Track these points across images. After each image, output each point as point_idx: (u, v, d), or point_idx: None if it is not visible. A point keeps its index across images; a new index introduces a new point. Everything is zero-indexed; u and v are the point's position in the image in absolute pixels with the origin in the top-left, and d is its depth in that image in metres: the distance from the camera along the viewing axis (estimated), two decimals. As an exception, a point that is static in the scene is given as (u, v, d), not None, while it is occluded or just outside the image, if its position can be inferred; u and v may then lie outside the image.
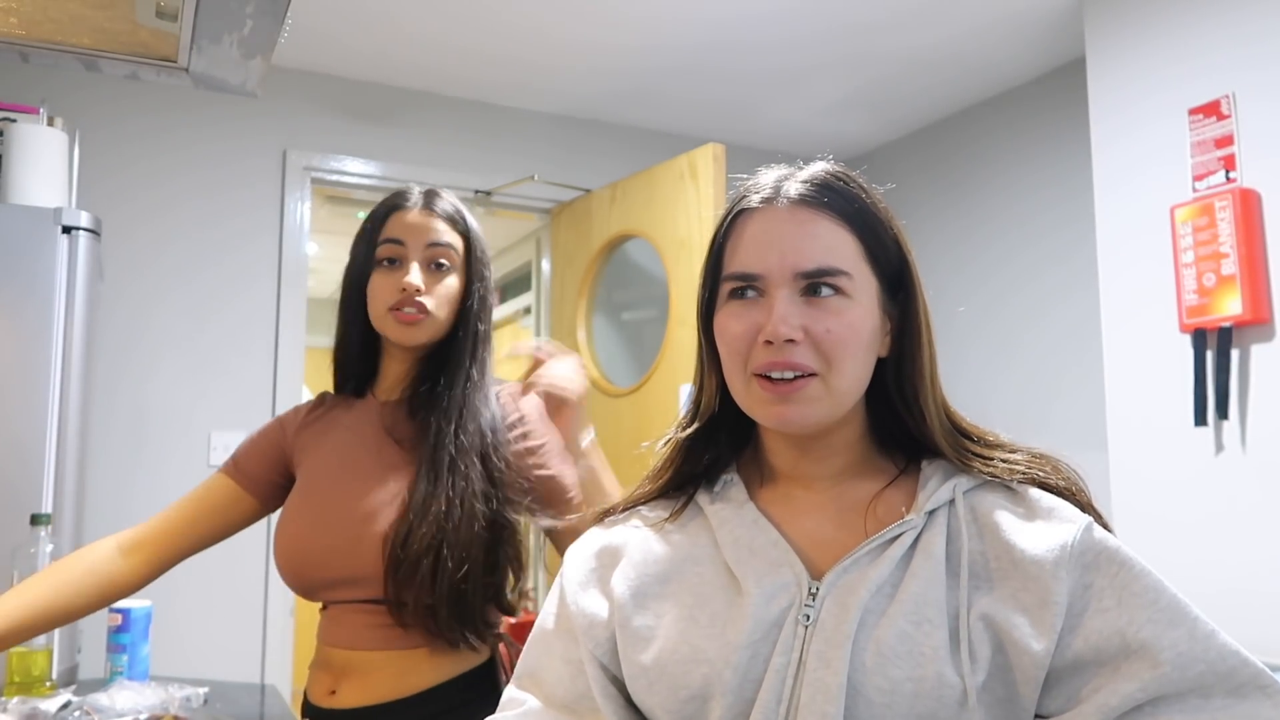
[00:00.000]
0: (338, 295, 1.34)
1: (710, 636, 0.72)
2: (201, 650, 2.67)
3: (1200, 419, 2.18)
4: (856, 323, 0.76)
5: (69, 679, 1.75)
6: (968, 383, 3.19)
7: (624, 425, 2.95)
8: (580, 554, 0.85)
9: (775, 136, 3.70)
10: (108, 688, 1.43)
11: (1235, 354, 2.16)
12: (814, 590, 0.72)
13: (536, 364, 1.22)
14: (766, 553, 0.75)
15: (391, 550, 1.17)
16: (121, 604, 1.60)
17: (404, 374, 1.32)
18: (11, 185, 2.00)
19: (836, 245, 0.77)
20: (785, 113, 3.48)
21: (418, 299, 1.25)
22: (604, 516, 0.89)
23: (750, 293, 0.78)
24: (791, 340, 0.74)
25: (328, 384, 1.41)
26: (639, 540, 0.82)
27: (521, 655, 0.85)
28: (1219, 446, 2.18)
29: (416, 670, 1.21)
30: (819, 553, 0.76)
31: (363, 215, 1.42)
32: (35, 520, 1.56)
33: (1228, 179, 2.19)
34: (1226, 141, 2.20)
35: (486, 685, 1.24)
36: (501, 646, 1.31)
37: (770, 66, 3.10)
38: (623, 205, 3.18)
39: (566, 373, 1.21)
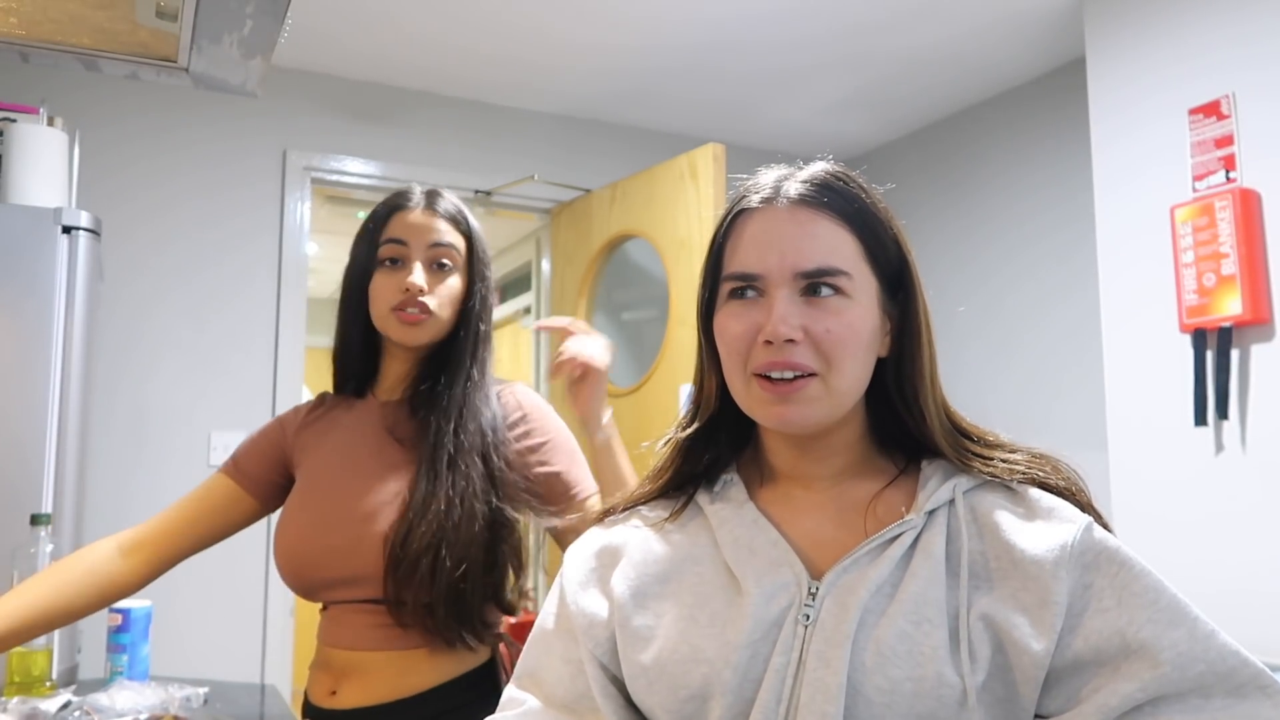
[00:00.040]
0: (338, 295, 1.34)
1: (710, 636, 0.72)
2: (201, 650, 2.67)
3: (1200, 419, 2.18)
4: (856, 323, 0.76)
5: (69, 679, 1.75)
6: (967, 382, 3.19)
7: (624, 425, 2.92)
8: (580, 554, 0.85)
9: (775, 136, 3.70)
10: (108, 688, 1.43)
11: (1235, 354, 2.16)
12: (814, 590, 0.72)
13: (565, 335, 1.29)
14: (766, 552, 0.75)
15: (391, 549, 1.17)
16: (121, 604, 1.60)
17: (405, 374, 1.32)
18: (11, 185, 2.00)
19: (836, 245, 0.77)
20: (785, 113, 3.48)
21: (420, 299, 1.25)
22: (604, 516, 0.89)
23: (750, 293, 0.78)
24: (791, 340, 0.74)
25: (328, 384, 1.41)
26: (639, 540, 0.82)
27: (521, 655, 0.85)
28: (1219, 446, 2.18)
29: (417, 670, 1.21)
30: (819, 552, 0.76)
31: (363, 215, 1.42)
32: (35, 520, 1.56)
33: (1228, 179, 2.19)
34: (1226, 141, 2.20)
35: (487, 685, 1.24)
36: (502, 646, 1.31)
37: (770, 66, 3.10)
38: (623, 205, 3.18)
39: (594, 347, 1.27)
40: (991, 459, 0.77)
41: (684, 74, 3.16)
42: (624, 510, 0.88)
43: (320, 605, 1.30)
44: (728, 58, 3.04)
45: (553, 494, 1.27)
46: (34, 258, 1.91)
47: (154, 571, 1.28)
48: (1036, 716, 0.68)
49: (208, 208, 2.94)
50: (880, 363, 0.80)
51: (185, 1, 1.10)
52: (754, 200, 0.80)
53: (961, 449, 0.78)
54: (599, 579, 0.82)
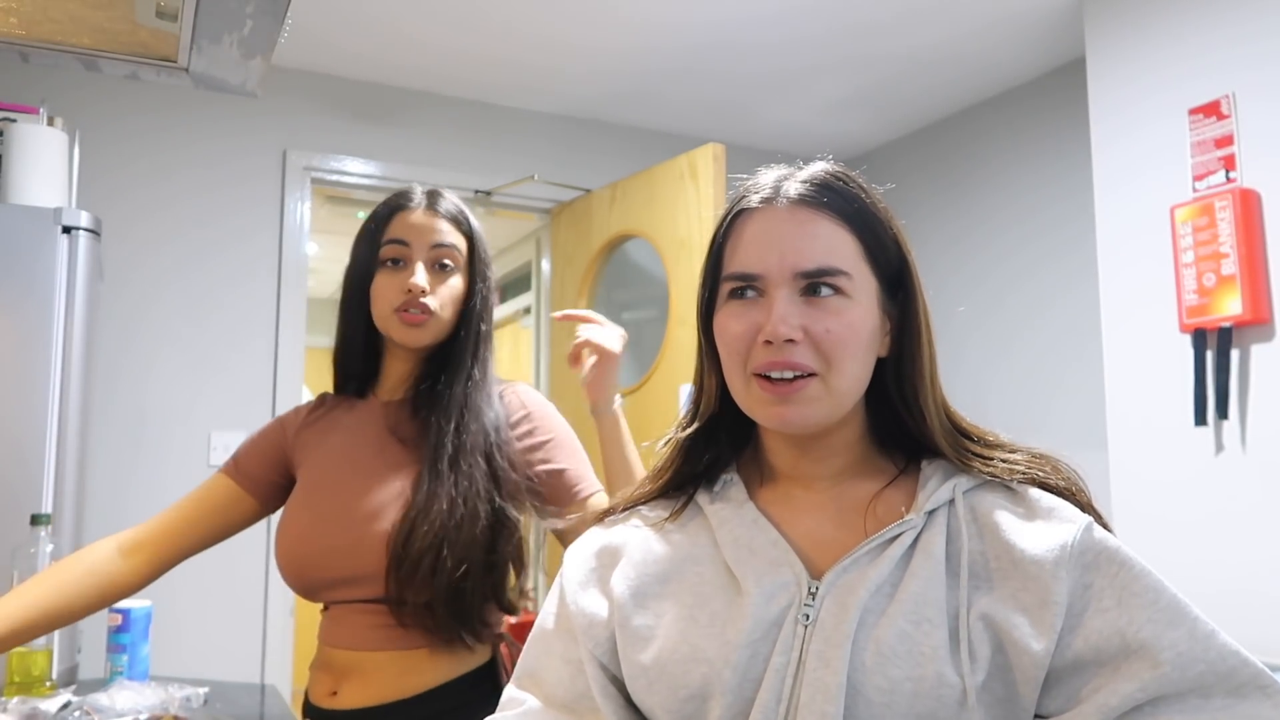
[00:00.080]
0: (338, 295, 1.34)
1: (710, 636, 0.72)
2: (201, 650, 2.67)
3: (1200, 419, 2.18)
4: (856, 323, 0.76)
5: (69, 679, 1.75)
6: (967, 382, 3.19)
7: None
8: (580, 554, 0.85)
9: (775, 136, 3.70)
10: (108, 688, 1.43)
11: (1235, 354, 2.16)
12: (813, 590, 0.72)
13: (583, 320, 1.33)
14: (766, 552, 0.75)
15: (393, 549, 1.17)
16: (121, 604, 1.59)
17: (407, 374, 1.32)
18: (11, 185, 2.01)
19: (836, 245, 0.77)
20: (785, 113, 3.48)
21: (422, 300, 1.25)
22: (604, 516, 0.89)
23: (750, 293, 0.78)
24: (791, 340, 0.74)
25: (328, 384, 1.41)
26: (639, 540, 0.82)
27: (521, 655, 0.85)
28: (1219, 446, 2.18)
29: (418, 670, 1.21)
30: (819, 552, 0.76)
31: (363, 215, 1.42)
32: (35, 520, 1.56)
33: (1228, 179, 2.19)
34: (1226, 141, 2.20)
35: (488, 685, 1.24)
36: (503, 646, 1.31)
37: (770, 67, 3.10)
38: (623, 205, 3.18)
39: (609, 334, 1.31)
40: (991, 459, 0.77)
41: (684, 75, 3.16)
42: (624, 510, 0.88)
43: (321, 605, 1.30)
44: (727, 58, 3.04)
45: (556, 492, 1.28)
46: (34, 258, 1.91)
47: (154, 572, 1.28)
48: (1036, 716, 0.68)
49: (208, 207, 2.94)
50: (880, 363, 0.80)
51: (185, 1, 1.10)
52: (754, 200, 0.80)
53: (961, 449, 0.78)
54: (599, 579, 0.82)
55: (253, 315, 2.97)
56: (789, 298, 0.75)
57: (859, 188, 0.80)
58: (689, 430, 0.86)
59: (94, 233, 1.98)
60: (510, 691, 0.84)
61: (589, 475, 1.30)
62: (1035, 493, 0.75)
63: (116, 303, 2.75)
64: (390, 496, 1.22)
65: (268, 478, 1.34)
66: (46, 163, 2.05)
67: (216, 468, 1.38)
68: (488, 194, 3.34)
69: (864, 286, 0.77)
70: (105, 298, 2.55)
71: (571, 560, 0.85)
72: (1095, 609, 0.68)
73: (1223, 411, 2.14)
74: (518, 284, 4.51)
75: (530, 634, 0.86)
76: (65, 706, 1.31)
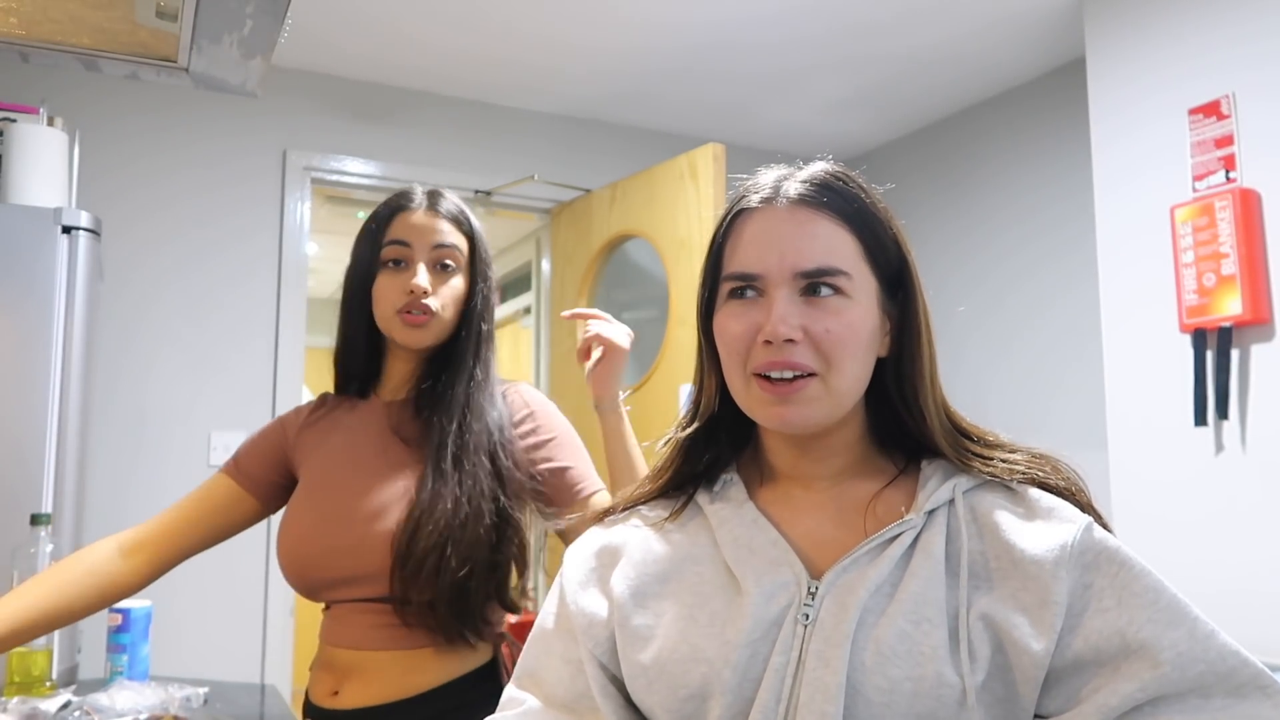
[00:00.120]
0: (338, 295, 1.34)
1: (709, 636, 0.72)
2: (201, 650, 2.67)
3: (1200, 419, 2.18)
4: (856, 323, 0.76)
5: (69, 679, 1.75)
6: (967, 382, 3.19)
7: (624, 425, 2.94)
8: (580, 553, 0.85)
9: (775, 136, 3.70)
10: (108, 688, 1.43)
11: (1235, 354, 2.16)
12: (813, 589, 0.72)
13: (592, 319, 1.34)
14: (766, 552, 0.75)
15: (397, 548, 1.17)
16: (121, 604, 1.59)
17: (409, 374, 1.32)
18: (11, 185, 2.01)
19: (836, 245, 0.77)
20: (785, 113, 3.48)
21: (424, 300, 1.25)
22: (604, 516, 0.89)
23: (750, 292, 0.78)
24: (791, 340, 0.74)
25: (328, 384, 1.41)
26: (639, 540, 0.82)
27: (521, 655, 0.85)
28: (1219, 446, 2.18)
29: (420, 670, 1.21)
30: (818, 552, 0.76)
31: (363, 215, 1.42)
32: (35, 520, 1.56)
33: (1228, 179, 2.19)
34: (1226, 141, 2.20)
35: (489, 685, 1.24)
36: (504, 646, 1.31)
37: (770, 67, 3.10)
38: (623, 205, 3.18)
39: (619, 329, 1.33)
40: (991, 459, 0.77)
41: (684, 75, 3.16)
42: (624, 510, 0.88)
43: (323, 605, 1.30)
44: (727, 58, 3.04)
45: (559, 490, 1.28)
46: (34, 258, 1.91)
47: (155, 572, 1.28)
48: (1036, 716, 0.68)
49: (208, 207, 2.94)
50: (880, 362, 0.80)
51: (185, 1, 1.10)
52: (754, 200, 0.80)
53: (961, 449, 0.78)
54: (599, 579, 0.82)
55: (253, 315, 2.97)
56: (789, 298, 0.75)
57: (859, 188, 0.80)
58: (689, 430, 0.86)
59: (94, 233, 1.98)
60: (510, 691, 0.84)
61: (591, 474, 1.30)
62: (1035, 493, 0.75)
63: (116, 303, 2.75)
64: (394, 496, 1.22)
65: (268, 478, 1.34)
66: (46, 163, 2.05)
67: (217, 468, 1.38)
68: (488, 194, 3.34)
69: (864, 286, 0.77)
70: (105, 298, 2.55)
71: (571, 560, 0.85)
72: (1095, 609, 0.68)
73: (1223, 411, 2.14)
74: (518, 284, 4.51)
75: (530, 634, 0.86)
76: (65, 706, 1.31)
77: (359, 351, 1.34)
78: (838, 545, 0.75)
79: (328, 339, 1.38)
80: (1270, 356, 2.11)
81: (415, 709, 1.20)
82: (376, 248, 1.29)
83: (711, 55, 3.01)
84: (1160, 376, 2.30)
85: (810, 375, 0.75)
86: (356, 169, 3.16)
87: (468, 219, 1.33)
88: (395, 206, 1.31)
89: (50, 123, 2.11)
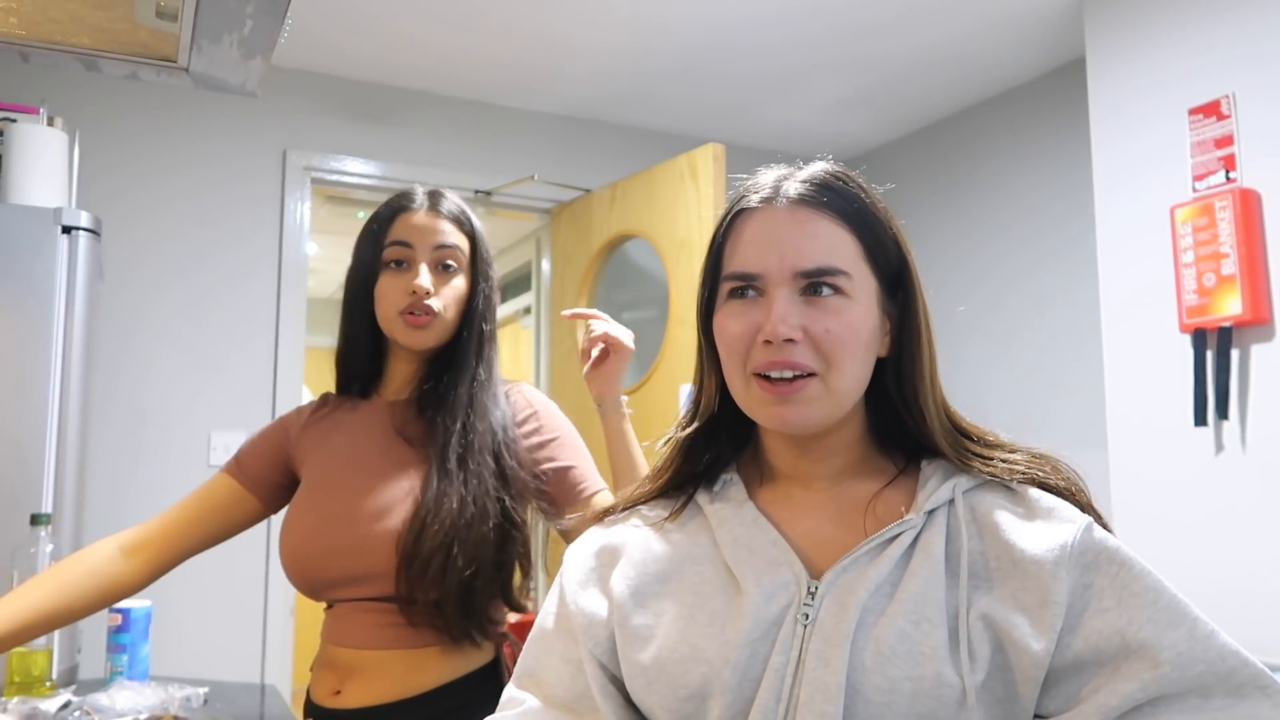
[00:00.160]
0: (338, 295, 1.34)
1: (709, 635, 0.72)
2: (201, 650, 2.67)
3: (1200, 419, 2.18)
4: (856, 322, 0.76)
5: (69, 679, 1.75)
6: (967, 382, 3.19)
7: (624, 425, 2.94)
8: (580, 553, 0.85)
9: (775, 136, 3.70)
10: (108, 688, 1.43)
11: (1235, 354, 2.16)
12: (813, 589, 0.72)
13: (592, 319, 1.34)
14: (766, 552, 0.75)
15: (404, 547, 1.18)
16: (121, 604, 1.59)
17: (411, 374, 1.32)
18: (11, 185, 2.01)
19: (836, 245, 0.77)
20: (785, 113, 3.48)
21: (426, 301, 1.25)
22: (604, 516, 0.89)
23: (750, 292, 0.78)
24: (791, 340, 0.74)
25: (328, 384, 1.41)
26: (639, 539, 0.82)
27: (521, 655, 0.85)
28: (1219, 446, 2.18)
29: (423, 669, 1.21)
30: (818, 552, 0.76)
31: (363, 215, 1.42)
32: (35, 520, 1.56)
33: (1228, 179, 2.19)
34: (1226, 141, 2.20)
35: (492, 684, 1.24)
36: (506, 645, 1.31)
37: (770, 67, 3.10)
38: (623, 205, 3.18)
39: (620, 330, 1.33)
40: (991, 459, 0.77)
41: (684, 75, 3.16)
42: (624, 510, 0.88)
43: (325, 604, 1.30)
44: (727, 59, 3.04)
45: (562, 490, 1.28)
46: (34, 258, 1.91)
47: (156, 571, 1.28)
48: (1036, 716, 0.68)
49: (208, 207, 2.94)
50: (880, 362, 0.80)
51: (185, 1, 1.10)
52: (754, 200, 0.80)
53: (961, 449, 0.78)
54: (599, 578, 0.82)
55: (253, 315, 2.97)
56: (789, 297, 0.75)
57: (859, 187, 0.80)
58: (689, 430, 0.86)
59: (94, 233, 1.98)
60: (510, 691, 0.84)
61: (593, 474, 1.31)
62: (1035, 493, 0.75)
63: (116, 303, 2.75)
64: (398, 496, 1.22)
65: (270, 477, 1.34)
66: (46, 163, 2.05)
67: (217, 468, 1.38)
68: (488, 194, 3.34)
69: (864, 286, 0.77)
70: (105, 298, 2.55)
71: (571, 560, 0.85)
72: (1095, 609, 0.68)
73: (1223, 411, 2.14)
74: (518, 284, 4.51)
75: (530, 634, 0.86)
76: (65, 706, 1.31)
77: (361, 352, 1.34)
78: (837, 545, 0.75)
79: (328, 339, 1.38)
80: (1270, 356, 2.11)
81: (418, 708, 1.20)
82: (378, 248, 1.29)
83: (711, 55, 3.01)
84: (1160, 376, 2.30)
85: (810, 375, 0.75)
86: (356, 169, 3.16)
87: (469, 219, 1.33)
88: (397, 207, 1.31)
89: (50, 123, 2.11)
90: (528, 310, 4.23)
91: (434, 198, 1.31)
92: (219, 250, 2.94)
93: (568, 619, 0.82)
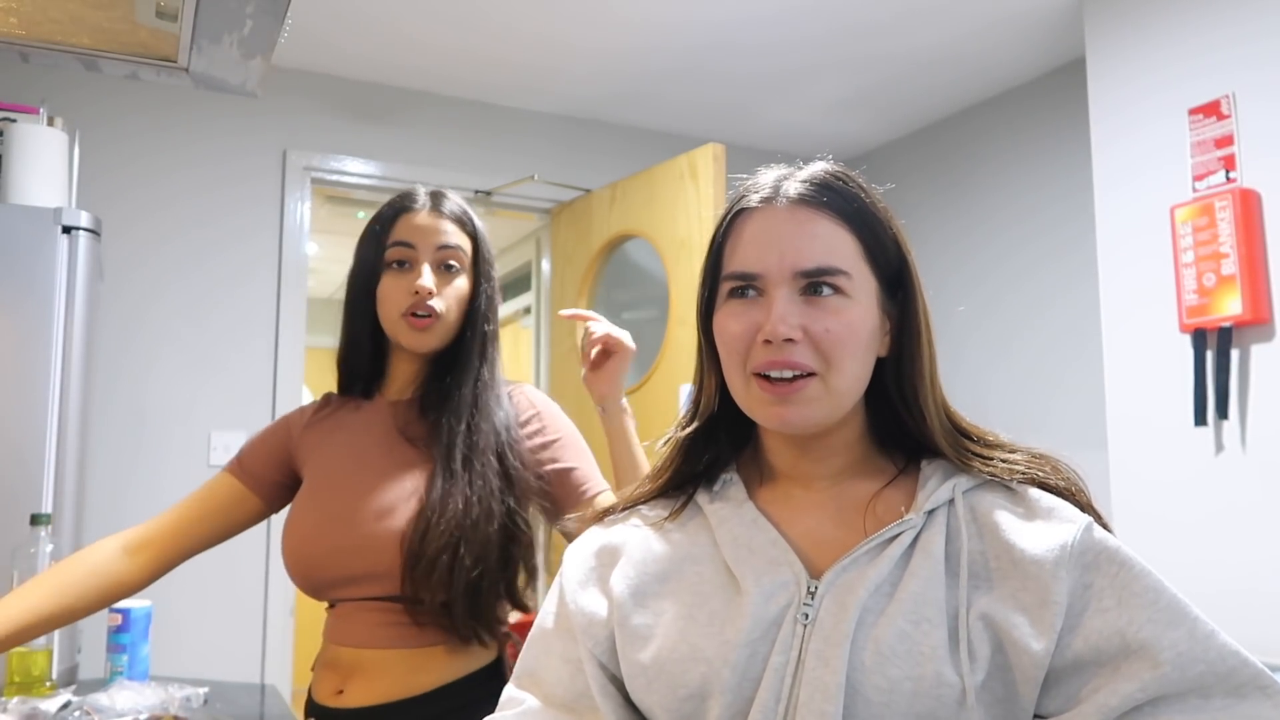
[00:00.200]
0: (338, 295, 1.34)
1: (709, 635, 0.72)
2: (201, 650, 2.67)
3: (1200, 419, 2.18)
4: (856, 322, 0.76)
5: (69, 679, 1.75)
6: (967, 382, 3.19)
7: (624, 425, 2.95)
8: (579, 553, 0.85)
9: (775, 136, 3.70)
10: (108, 688, 1.43)
11: (1235, 354, 2.16)
12: (813, 589, 0.72)
13: (590, 320, 1.33)
14: (765, 551, 0.75)
15: (409, 547, 1.18)
16: (121, 604, 1.59)
17: (414, 374, 1.32)
18: (11, 185, 2.01)
19: (836, 245, 0.77)
20: (785, 113, 3.48)
21: (428, 302, 1.25)
22: (604, 516, 0.89)
23: (750, 292, 0.78)
24: (790, 340, 0.74)
25: (328, 384, 1.41)
26: (638, 539, 0.82)
27: (521, 654, 0.85)
28: (1219, 446, 2.18)
29: (426, 669, 1.21)
30: (818, 552, 0.76)
31: (363, 215, 1.42)
32: (35, 520, 1.56)
33: (1228, 179, 2.19)
34: (1226, 141, 2.20)
35: (494, 684, 1.24)
36: (508, 645, 1.31)
37: (770, 68, 3.10)
38: (623, 205, 3.18)
39: (620, 331, 1.32)
40: (991, 459, 0.77)
41: (684, 75, 3.16)
42: (624, 510, 0.88)
43: (327, 604, 1.30)
44: (727, 59, 3.04)
45: (564, 491, 1.28)
46: (34, 258, 1.91)
47: (158, 571, 1.28)
48: (1036, 716, 0.68)
49: (208, 207, 2.94)
50: (880, 362, 0.80)
51: (185, 1, 1.10)
52: (754, 200, 0.80)
53: (961, 449, 0.78)
54: (598, 578, 0.82)
55: (253, 315, 2.97)
56: (788, 297, 0.75)
57: (859, 187, 0.80)
58: (689, 430, 0.86)
59: (94, 233, 1.98)
60: (510, 691, 0.83)
61: (596, 475, 1.31)
62: (1035, 493, 0.75)
63: (116, 303, 2.75)
64: (402, 496, 1.22)
65: (272, 477, 1.34)
66: (46, 163, 2.05)
67: (217, 468, 1.38)
68: (488, 194, 3.34)
69: (864, 286, 0.77)
70: (105, 298, 2.55)
71: (571, 560, 0.86)
72: (1095, 609, 0.68)
73: (1223, 411, 2.14)
74: (518, 284, 4.51)
75: (529, 633, 0.86)
76: (65, 706, 1.31)
77: (363, 352, 1.34)
78: (837, 545, 0.75)
79: (328, 339, 1.38)
80: (1270, 356, 2.11)
81: (421, 707, 1.20)
82: (380, 249, 1.29)
83: (711, 55, 3.01)
84: (1160, 376, 2.30)
85: (810, 375, 0.75)
86: (356, 169, 3.16)
87: (471, 220, 1.33)
88: (399, 207, 1.31)
89: (50, 123, 2.11)
90: (528, 310, 4.23)
91: (436, 198, 1.31)
92: (219, 250, 2.94)
93: (567, 619, 0.82)
